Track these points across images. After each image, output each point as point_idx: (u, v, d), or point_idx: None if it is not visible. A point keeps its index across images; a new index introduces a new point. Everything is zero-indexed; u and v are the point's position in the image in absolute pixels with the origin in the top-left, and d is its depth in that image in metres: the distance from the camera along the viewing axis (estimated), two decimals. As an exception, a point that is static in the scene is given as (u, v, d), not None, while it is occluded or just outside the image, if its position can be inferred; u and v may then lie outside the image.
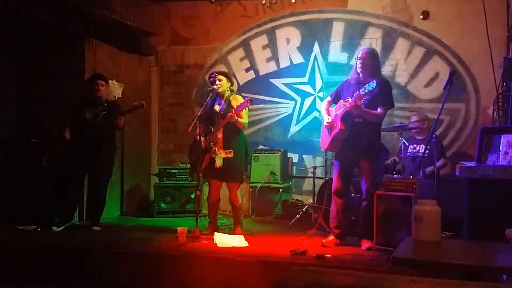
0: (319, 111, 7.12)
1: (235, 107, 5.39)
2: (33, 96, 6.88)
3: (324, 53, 7.44)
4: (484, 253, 3.24)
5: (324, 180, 6.42)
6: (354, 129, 4.91)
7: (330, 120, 5.03)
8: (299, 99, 7.57)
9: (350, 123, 4.89)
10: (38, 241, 5.33)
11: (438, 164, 5.98)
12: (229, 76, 5.85)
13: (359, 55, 5.04)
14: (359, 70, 5.03)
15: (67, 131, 5.99)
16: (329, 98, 5.38)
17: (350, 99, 4.83)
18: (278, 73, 7.72)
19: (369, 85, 4.62)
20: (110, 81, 6.65)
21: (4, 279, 4.74)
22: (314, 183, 6.68)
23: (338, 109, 5.00)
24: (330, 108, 5.24)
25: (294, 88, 7.61)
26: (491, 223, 4.32)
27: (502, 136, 4.86)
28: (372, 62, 5.02)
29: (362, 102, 4.84)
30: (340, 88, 5.26)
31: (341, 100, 5.02)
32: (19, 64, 6.91)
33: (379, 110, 4.94)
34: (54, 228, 5.85)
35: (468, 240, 4.41)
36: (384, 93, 4.96)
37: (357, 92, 4.76)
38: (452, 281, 2.29)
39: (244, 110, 5.41)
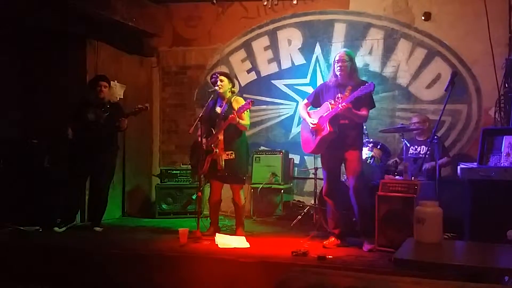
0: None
1: (236, 109, 5.39)
2: (34, 96, 6.89)
3: (326, 54, 7.43)
4: (485, 254, 3.24)
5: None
6: (340, 130, 4.96)
7: (315, 122, 5.05)
8: (300, 100, 7.55)
9: (337, 125, 4.94)
10: (40, 242, 5.34)
11: (442, 160, 5.96)
12: (231, 77, 5.85)
13: (337, 58, 5.10)
14: (338, 73, 5.08)
15: (70, 130, 6.00)
16: (306, 101, 5.43)
17: (333, 101, 4.92)
18: (280, 74, 7.71)
19: (366, 87, 4.71)
20: (112, 82, 6.65)
21: (6, 279, 4.75)
22: (315, 184, 6.67)
23: (324, 111, 5.02)
24: (309, 111, 5.29)
25: (296, 89, 7.61)
26: (492, 224, 4.32)
27: (504, 137, 4.86)
28: (350, 64, 5.08)
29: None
30: (319, 91, 5.32)
31: (326, 102, 5.03)
32: (21, 64, 6.92)
33: (363, 111, 5.00)
34: (56, 229, 5.87)
35: (469, 242, 4.40)
36: (367, 95, 4.97)
37: (353, 94, 4.82)
38: (453, 283, 2.30)
39: (245, 111, 5.41)
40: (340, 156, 5.11)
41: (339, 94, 4.95)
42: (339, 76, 5.08)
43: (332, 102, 4.92)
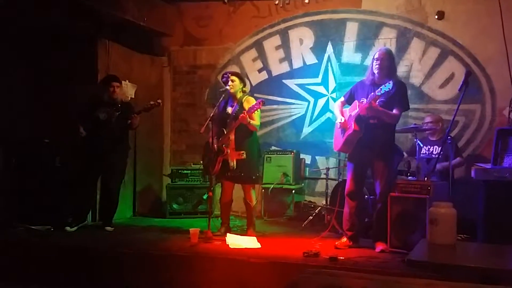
0: (332, 112, 7.07)
1: (247, 109, 5.37)
2: (46, 96, 6.91)
3: (338, 53, 7.39)
4: (500, 256, 3.21)
5: (337, 182, 6.38)
6: (368, 130, 4.86)
7: (343, 120, 4.99)
8: (312, 100, 7.53)
9: (364, 124, 4.85)
10: (51, 241, 5.36)
11: (455, 161, 5.89)
12: (242, 77, 5.82)
13: (377, 56, 4.99)
14: (375, 71, 4.98)
15: (81, 128, 6.01)
16: (342, 99, 5.34)
17: (365, 100, 4.80)
18: (291, 74, 7.68)
19: (385, 86, 4.57)
20: (123, 81, 6.66)
21: (18, 278, 4.76)
22: (327, 184, 6.64)
23: (352, 110, 4.96)
24: (343, 109, 5.21)
25: (307, 89, 7.57)
26: (507, 226, 4.28)
27: (518, 138, 4.80)
28: (389, 63, 4.99)
29: (377, 103, 4.79)
30: (354, 89, 5.22)
31: (356, 101, 4.98)
32: (32, 64, 6.95)
33: (394, 111, 4.90)
34: (68, 228, 5.88)
35: (483, 243, 4.36)
36: (400, 95, 4.91)
37: (372, 93, 4.71)
38: (467, 284, 2.26)
39: (256, 111, 5.38)
40: (368, 159, 5.00)
41: (372, 93, 4.79)
42: (376, 74, 4.98)
43: (363, 101, 4.81)
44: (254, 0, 7.79)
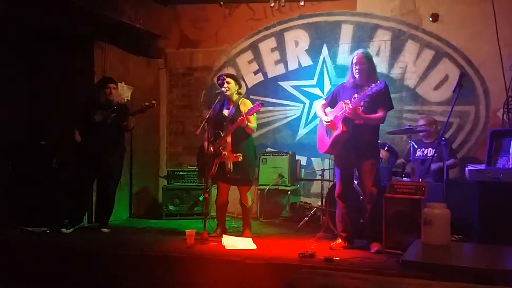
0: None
1: (243, 111, 5.38)
2: (42, 98, 6.92)
3: (333, 55, 7.42)
4: (494, 256, 3.23)
5: (332, 183, 6.40)
6: (354, 131, 4.89)
7: (329, 120, 5.02)
8: (307, 102, 7.56)
9: (351, 125, 4.88)
10: (48, 243, 5.36)
11: (449, 162, 5.91)
12: (238, 79, 5.83)
13: (355, 61, 5.02)
14: (356, 76, 5.02)
15: (77, 133, 6.02)
16: (324, 102, 5.36)
17: (348, 102, 4.82)
18: (287, 76, 7.70)
19: (376, 85, 4.61)
20: (119, 83, 6.67)
21: (14, 280, 4.76)
22: (322, 185, 6.66)
23: (338, 111, 4.96)
24: (326, 111, 5.23)
25: (303, 91, 7.60)
26: (501, 226, 4.30)
27: (512, 139, 4.83)
28: (368, 66, 5.02)
29: (362, 105, 4.81)
30: (336, 91, 5.25)
31: (341, 102, 4.97)
32: (29, 65, 6.95)
33: (379, 112, 4.93)
34: (64, 230, 5.87)
35: (478, 244, 4.39)
36: (385, 95, 4.94)
37: (363, 93, 4.72)
38: (462, 285, 2.28)
39: (253, 114, 5.40)
40: (355, 159, 5.03)
41: (355, 95, 4.82)
42: (357, 78, 5.01)
43: (348, 102, 4.83)
44: (249, 2, 7.82)
